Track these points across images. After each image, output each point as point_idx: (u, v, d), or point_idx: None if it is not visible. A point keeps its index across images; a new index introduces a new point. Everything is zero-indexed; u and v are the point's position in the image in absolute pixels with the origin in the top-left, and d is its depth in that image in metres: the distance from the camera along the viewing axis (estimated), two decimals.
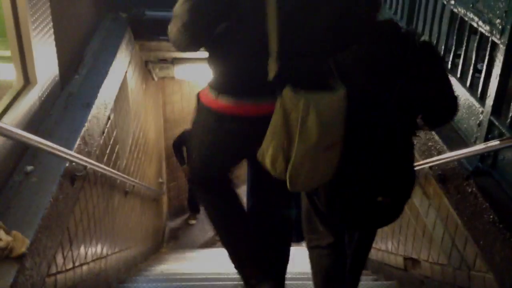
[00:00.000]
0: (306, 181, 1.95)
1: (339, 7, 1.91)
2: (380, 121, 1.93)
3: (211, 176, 2.32)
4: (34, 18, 2.75)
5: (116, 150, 3.89)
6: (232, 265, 2.53)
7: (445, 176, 2.68)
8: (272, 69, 1.85)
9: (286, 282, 2.55)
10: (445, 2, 3.05)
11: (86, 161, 2.70)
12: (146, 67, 6.05)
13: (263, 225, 2.45)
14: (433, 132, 2.87)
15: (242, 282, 2.54)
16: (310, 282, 2.52)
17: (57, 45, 3.10)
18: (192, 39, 2.02)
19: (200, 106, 2.15)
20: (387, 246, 3.87)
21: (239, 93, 2.00)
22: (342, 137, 1.90)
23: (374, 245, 4.11)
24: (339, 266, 2.36)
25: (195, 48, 2.08)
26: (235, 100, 2.00)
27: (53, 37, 3.05)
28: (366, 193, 2.02)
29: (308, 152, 1.86)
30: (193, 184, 2.49)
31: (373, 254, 4.28)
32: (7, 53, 2.80)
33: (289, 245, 2.56)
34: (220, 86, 2.04)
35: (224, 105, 2.02)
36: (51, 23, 3.03)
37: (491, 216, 2.19)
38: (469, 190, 2.41)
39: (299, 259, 3.37)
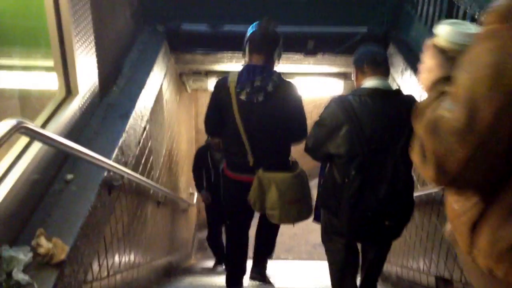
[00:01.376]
0: (283, 218, 3.47)
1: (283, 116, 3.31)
2: (388, 161, 2.64)
3: (231, 211, 3.88)
4: (77, 30, 2.84)
5: (150, 160, 3.95)
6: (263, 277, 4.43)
7: None
8: (250, 160, 3.41)
9: None
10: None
11: (123, 171, 2.76)
12: (180, 79, 6.14)
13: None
14: None
15: None
16: None
17: (97, 57, 3.19)
18: (210, 130, 3.70)
19: (223, 173, 3.76)
20: (418, 265, 3.82)
21: (236, 170, 3.57)
22: (302, 196, 3.42)
23: (405, 263, 4.06)
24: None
25: (214, 135, 4.23)
26: (234, 173, 3.60)
27: (94, 49, 3.14)
28: (377, 218, 2.69)
29: (275, 203, 3.37)
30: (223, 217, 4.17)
31: (404, 273, 4.23)
32: (50, 63, 2.90)
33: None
34: (228, 165, 3.64)
35: (230, 174, 3.62)
36: (93, 36, 3.12)
37: None
38: None
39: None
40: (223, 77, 3.36)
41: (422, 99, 1.37)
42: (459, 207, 1.27)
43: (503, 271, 1.17)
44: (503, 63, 1.05)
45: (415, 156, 1.27)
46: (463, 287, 2.92)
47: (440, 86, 1.29)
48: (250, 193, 3.43)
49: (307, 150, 3.00)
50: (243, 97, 3.19)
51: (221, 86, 3.31)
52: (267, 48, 3.27)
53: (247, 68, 3.24)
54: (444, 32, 1.45)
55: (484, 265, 1.21)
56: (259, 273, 4.40)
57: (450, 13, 3.61)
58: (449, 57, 1.38)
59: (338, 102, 2.79)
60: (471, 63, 1.12)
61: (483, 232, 1.19)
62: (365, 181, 2.64)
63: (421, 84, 1.42)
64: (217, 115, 3.40)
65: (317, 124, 2.88)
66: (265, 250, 4.37)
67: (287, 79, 3.37)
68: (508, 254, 1.14)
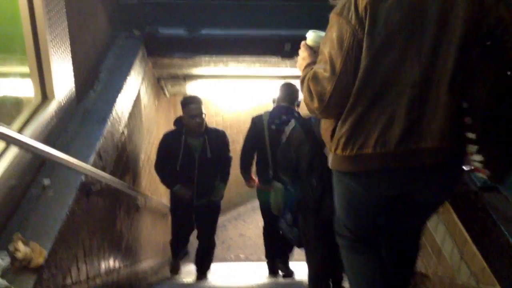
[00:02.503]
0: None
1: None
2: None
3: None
4: (52, 36, 2.84)
5: (129, 165, 3.95)
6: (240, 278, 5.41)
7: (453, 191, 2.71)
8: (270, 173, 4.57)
9: None
10: None
11: (101, 176, 2.76)
12: (158, 84, 6.15)
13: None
14: None
15: None
16: None
17: (73, 62, 3.19)
18: (247, 164, 4.87)
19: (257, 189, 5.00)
20: None
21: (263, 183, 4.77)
22: None
23: None
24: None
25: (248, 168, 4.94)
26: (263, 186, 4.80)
27: (70, 54, 3.14)
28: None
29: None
30: None
31: None
32: (26, 69, 2.89)
33: None
34: (260, 180, 4.89)
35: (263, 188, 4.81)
36: (68, 41, 3.12)
37: (499, 231, 2.22)
38: (478, 205, 2.44)
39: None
40: (258, 114, 4.66)
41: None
42: (327, 124, 2.07)
43: (333, 148, 2.02)
44: (341, 35, 1.87)
45: (306, 99, 2.01)
46: (438, 279, 2.99)
47: (309, 67, 2.08)
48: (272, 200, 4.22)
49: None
50: (273, 126, 4.39)
51: (257, 119, 4.63)
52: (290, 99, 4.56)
53: (277, 108, 4.51)
54: (310, 36, 2.28)
55: (333, 150, 2.03)
56: (285, 265, 5.23)
57: None
58: (314, 51, 2.18)
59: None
60: (326, 40, 1.95)
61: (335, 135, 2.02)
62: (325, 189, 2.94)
63: (298, 67, 2.23)
64: (252, 148, 4.71)
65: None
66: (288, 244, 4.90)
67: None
68: (337, 140, 1.97)
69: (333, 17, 1.92)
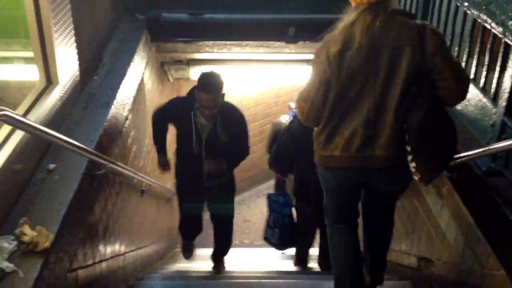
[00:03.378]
0: None
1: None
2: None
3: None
4: (56, 20, 2.83)
5: (133, 149, 3.96)
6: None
7: (458, 176, 2.71)
8: None
9: None
10: (458, 4, 3.08)
11: (106, 159, 2.77)
12: (162, 68, 6.13)
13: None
14: None
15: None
16: None
17: (77, 47, 3.19)
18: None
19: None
20: (400, 246, 3.90)
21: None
22: None
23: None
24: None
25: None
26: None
27: (74, 39, 3.13)
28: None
29: None
30: None
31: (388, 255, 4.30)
32: (30, 54, 2.89)
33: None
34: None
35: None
36: (72, 25, 3.11)
37: (504, 215, 2.22)
38: (482, 190, 2.44)
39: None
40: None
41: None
42: (315, 130, 2.67)
43: (316, 148, 2.66)
44: (317, 73, 2.48)
45: (298, 112, 2.70)
46: (442, 264, 3.00)
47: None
48: None
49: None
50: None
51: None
52: None
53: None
54: None
55: (316, 150, 2.66)
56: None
57: (426, 6, 3.67)
58: None
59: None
60: (309, 76, 2.57)
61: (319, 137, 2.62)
62: None
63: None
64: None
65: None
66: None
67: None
68: (318, 143, 2.63)
69: (313, 59, 2.54)
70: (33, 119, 2.42)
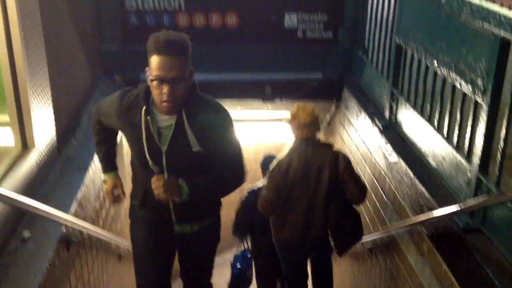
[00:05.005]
0: None
1: None
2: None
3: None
4: (32, 83, 2.84)
5: (111, 213, 3.90)
6: None
7: (437, 233, 2.72)
8: None
9: None
10: (428, 64, 3.18)
11: (82, 226, 2.72)
12: None
13: None
14: (424, 189, 2.93)
15: None
16: None
17: (54, 110, 3.18)
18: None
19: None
20: None
21: None
22: None
23: None
24: None
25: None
26: None
27: (51, 101, 3.13)
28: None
29: None
30: None
31: None
32: (6, 118, 2.87)
33: None
34: None
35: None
36: (49, 89, 3.12)
37: (485, 274, 2.21)
38: (462, 247, 2.45)
39: None
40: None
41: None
42: (271, 221, 3.61)
43: (274, 233, 3.68)
44: (274, 182, 3.47)
45: (260, 207, 3.54)
46: None
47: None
48: None
49: None
50: None
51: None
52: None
53: None
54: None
55: (273, 234, 3.67)
56: None
57: (398, 57, 3.78)
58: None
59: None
60: (268, 184, 3.48)
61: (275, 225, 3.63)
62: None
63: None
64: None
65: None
66: None
67: None
68: (273, 227, 3.66)
69: (270, 173, 3.44)
70: (7, 186, 2.38)
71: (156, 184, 2.19)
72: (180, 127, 2.28)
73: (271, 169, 3.45)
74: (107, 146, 2.72)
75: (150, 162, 2.32)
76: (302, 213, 3.45)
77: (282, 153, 3.52)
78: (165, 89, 2.14)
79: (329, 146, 3.51)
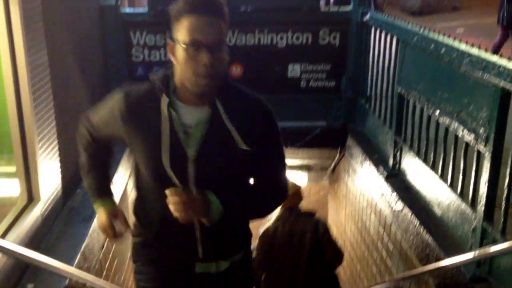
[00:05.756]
0: None
1: None
2: None
3: None
4: (40, 136, 2.88)
5: (115, 264, 3.87)
6: None
7: (445, 283, 2.68)
8: None
9: None
10: (430, 113, 3.22)
11: (85, 279, 2.70)
12: None
13: None
14: (430, 238, 2.91)
15: None
16: None
17: (61, 161, 3.22)
18: None
19: None
20: None
21: None
22: None
23: None
24: None
25: None
26: None
27: (57, 153, 3.17)
28: None
29: None
30: None
31: None
32: (12, 169, 2.90)
33: None
34: None
35: None
36: (57, 140, 3.16)
37: None
38: None
39: None
40: None
41: None
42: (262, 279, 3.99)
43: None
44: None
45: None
46: None
47: None
48: None
49: None
50: None
51: None
52: None
53: None
54: None
55: None
56: None
57: (400, 106, 3.82)
58: None
59: None
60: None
61: None
62: None
63: None
64: None
65: None
66: None
67: None
68: None
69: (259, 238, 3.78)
70: (12, 239, 2.39)
71: (174, 199, 1.63)
72: (217, 121, 1.73)
73: (260, 234, 3.87)
74: (100, 163, 2.10)
75: (172, 174, 1.72)
76: (287, 275, 3.78)
77: (270, 221, 3.92)
78: (205, 58, 1.63)
79: (310, 214, 3.96)
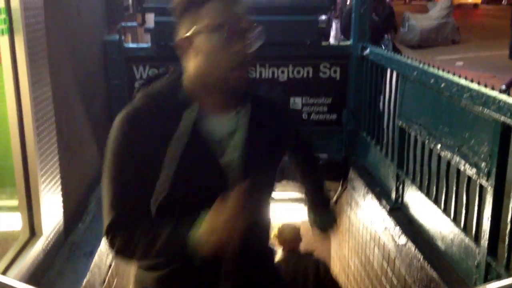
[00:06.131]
0: None
1: None
2: None
3: None
4: (43, 170, 2.89)
5: None
6: None
7: None
8: None
9: None
10: (431, 147, 3.23)
11: None
12: None
13: None
14: (435, 273, 2.88)
15: None
16: None
17: (63, 196, 3.22)
18: None
19: None
20: None
21: None
22: None
23: None
24: None
25: None
26: None
27: (60, 187, 3.17)
28: None
29: None
30: None
31: None
32: (14, 203, 2.90)
33: None
34: None
35: None
36: (59, 174, 3.17)
37: None
38: None
39: None
40: None
41: None
42: None
43: None
44: None
45: None
46: None
47: None
48: None
49: None
50: None
51: None
52: None
53: None
54: None
55: None
56: None
57: (402, 139, 3.84)
58: None
59: None
60: None
61: None
62: None
63: None
64: None
65: None
66: None
67: None
68: None
69: None
70: (13, 275, 2.38)
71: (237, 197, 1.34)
72: (254, 128, 1.51)
73: None
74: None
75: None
76: None
77: None
78: (237, 45, 1.38)
79: (310, 255, 4.25)
